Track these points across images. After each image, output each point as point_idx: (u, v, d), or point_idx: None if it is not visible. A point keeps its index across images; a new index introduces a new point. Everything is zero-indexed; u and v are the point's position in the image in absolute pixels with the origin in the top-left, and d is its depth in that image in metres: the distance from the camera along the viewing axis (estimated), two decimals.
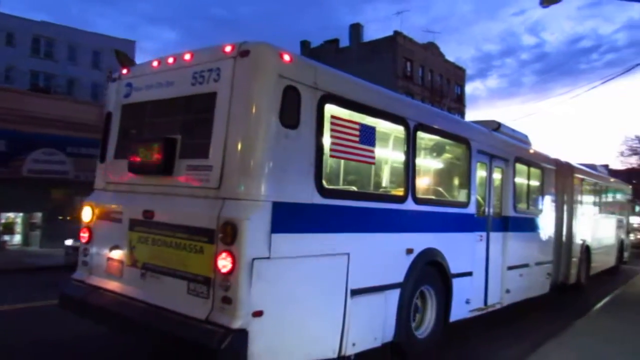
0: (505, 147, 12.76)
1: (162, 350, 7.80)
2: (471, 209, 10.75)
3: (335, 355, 7.35)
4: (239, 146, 6.59)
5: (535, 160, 14.53)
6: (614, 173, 58.78)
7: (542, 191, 14.95)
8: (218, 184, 6.74)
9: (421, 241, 9.04)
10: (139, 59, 37.56)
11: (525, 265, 13.43)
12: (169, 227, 7.17)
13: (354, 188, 8.39)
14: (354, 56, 65.42)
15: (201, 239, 6.71)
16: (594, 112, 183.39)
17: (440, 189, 10.52)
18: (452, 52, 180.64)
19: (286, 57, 6.87)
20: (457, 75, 76.52)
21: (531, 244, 13.96)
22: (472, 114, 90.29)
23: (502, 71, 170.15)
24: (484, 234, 11.36)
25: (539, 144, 15.01)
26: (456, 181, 10.99)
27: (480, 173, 11.48)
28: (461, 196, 10.73)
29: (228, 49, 6.97)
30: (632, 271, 24.20)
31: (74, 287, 8.37)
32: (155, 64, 8.14)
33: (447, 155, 10.98)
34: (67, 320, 8.90)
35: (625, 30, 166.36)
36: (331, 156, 7.51)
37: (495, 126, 13.03)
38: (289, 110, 6.82)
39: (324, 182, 7.19)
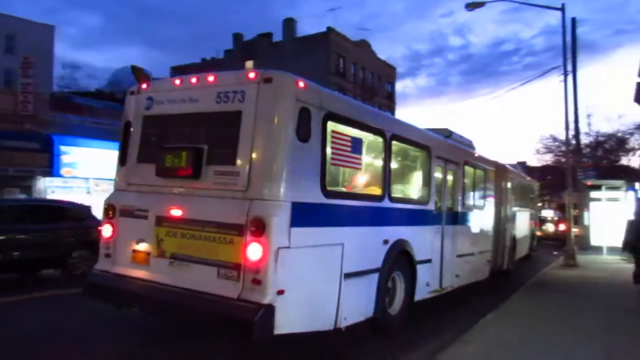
0: (456, 152, 14.85)
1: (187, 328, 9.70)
2: (431, 206, 12.77)
3: (332, 328, 9.07)
4: (264, 156, 8.24)
5: (479, 163, 16.82)
6: (531, 170, 62.02)
7: (484, 189, 17.32)
8: (245, 187, 8.30)
9: (394, 233, 10.87)
10: (58, 46, 36.33)
11: (471, 254, 15.61)
12: (198, 222, 8.65)
13: (345, 190, 10.06)
14: (287, 51, 66.07)
15: (231, 232, 8.26)
16: (513, 112, 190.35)
17: (407, 188, 12.53)
18: (384, 50, 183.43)
19: (301, 84, 8.53)
20: (388, 73, 78.41)
21: (475, 235, 16.14)
22: (402, 112, 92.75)
23: (430, 70, 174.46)
24: (440, 226, 13.31)
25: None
26: (419, 182, 12.83)
27: (437, 175, 13.43)
28: (423, 195, 12.64)
29: (252, 75, 8.56)
30: (541, 258, 28.28)
31: (100, 276, 9.68)
32: (177, 82, 9.63)
33: (412, 161, 12.94)
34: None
35: (543, 35, 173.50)
36: (332, 164, 9.20)
37: (448, 134, 15.17)
38: (303, 127, 8.47)
39: (326, 185, 8.87)
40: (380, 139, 10.68)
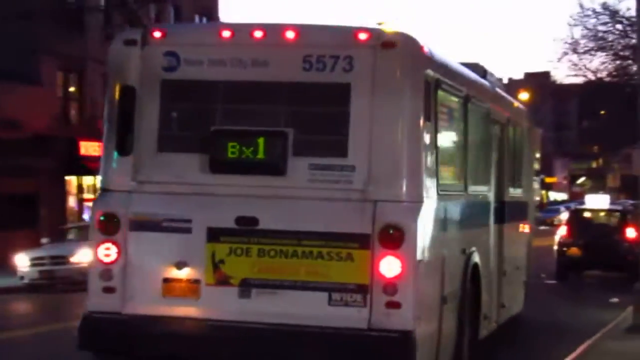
0: (502, 105, 11.84)
1: None
2: (490, 195, 10.84)
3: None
4: (394, 146, 6.93)
5: (516, 118, 13.00)
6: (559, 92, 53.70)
7: (521, 162, 13.22)
8: (364, 186, 6.90)
9: (469, 239, 9.14)
10: None
11: (515, 269, 12.64)
12: (289, 234, 7.01)
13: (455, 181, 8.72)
14: None
15: (349, 244, 6.87)
16: None
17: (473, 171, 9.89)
18: None
19: (426, 50, 7.24)
20: None
21: (516, 239, 12.93)
22: None
23: None
24: (491, 226, 10.91)
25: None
26: (480, 160, 10.38)
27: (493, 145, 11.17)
28: (484, 179, 10.41)
29: (363, 36, 7.00)
30: (579, 309, 22.31)
31: (109, 321, 7.30)
32: (225, 33, 7.44)
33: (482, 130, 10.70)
34: None
35: None
36: (443, 149, 8.00)
37: (482, 72, 11.01)
38: (428, 105, 7.24)
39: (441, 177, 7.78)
40: (480, 112, 9.77)
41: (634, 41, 23.03)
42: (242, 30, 7.47)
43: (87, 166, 32.58)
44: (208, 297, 7.18)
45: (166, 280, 7.30)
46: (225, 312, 7.13)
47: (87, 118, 34.73)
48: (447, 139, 8.28)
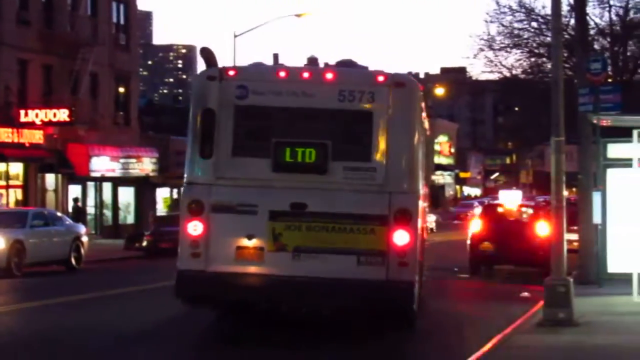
0: None
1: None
2: None
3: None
4: (403, 154, 10.47)
5: None
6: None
7: None
8: (383, 182, 10.27)
9: None
10: None
11: None
12: (329, 215, 10.16)
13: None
14: None
15: (372, 222, 10.14)
16: None
17: None
18: None
19: (420, 86, 11.15)
20: None
21: None
22: None
23: None
24: None
25: None
26: None
27: None
28: None
29: (381, 78, 10.51)
30: (491, 305, 20.24)
31: (195, 276, 10.30)
32: (282, 73, 10.71)
33: None
34: None
35: None
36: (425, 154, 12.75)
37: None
38: (421, 125, 11.56)
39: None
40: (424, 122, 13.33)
41: (548, 39, 23.74)
42: (292, 71, 10.81)
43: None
44: (270, 260, 10.25)
45: (239, 248, 10.28)
46: (282, 269, 10.19)
47: (1, 104, 33.38)
48: (422, 148, 12.20)
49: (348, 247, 10.04)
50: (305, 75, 10.65)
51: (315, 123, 10.40)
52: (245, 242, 10.22)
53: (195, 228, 10.25)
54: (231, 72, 10.66)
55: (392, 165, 10.15)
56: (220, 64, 11.35)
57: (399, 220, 9.95)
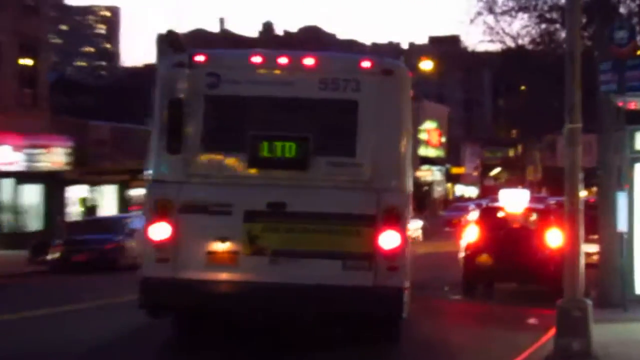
0: None
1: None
2: None
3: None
4: (391, 148, 11.36)
5: None
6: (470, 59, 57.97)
7: None
8: (369, 178, 11.14)
9: None
10: None
11: None
12: (310, 216, 10.93)
13: None
14: None
15: (358, 223, 10.92)
16: None
17: None
18: None
19: (409, 73, 12.04)
20: None
21: None
22: None
23: None
24: None
25: None
26: None
27: None
28: None
29: (367, 65, 11.42)
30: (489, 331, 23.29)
31: (162, 284, 10.95)
32: (256, 59, 11.66)
33: None
34: None
35: None
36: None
37: None
38: (412, 115, 11.94)
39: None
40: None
41: (563, 0, 23.35)
42: (269, 56, 11.73)
43: None
44: (245, 264, 11.04)
45: (210, 253, 11.08)
46: (259, 275, 10.97)
47: None
48: (412, 141, 12.67)
49: (331, 250, 10.84)
50: (283, 60, 11.45)
51: (295, 114, 11.26)
52: (218, 245, 11.05)
53: (162, 231, 10.96)
54: (200, 58, 11.47)
55: (380, 160, 11.01)
56: (157, 29, 12.00)
57: (388, 220, 10.74)
